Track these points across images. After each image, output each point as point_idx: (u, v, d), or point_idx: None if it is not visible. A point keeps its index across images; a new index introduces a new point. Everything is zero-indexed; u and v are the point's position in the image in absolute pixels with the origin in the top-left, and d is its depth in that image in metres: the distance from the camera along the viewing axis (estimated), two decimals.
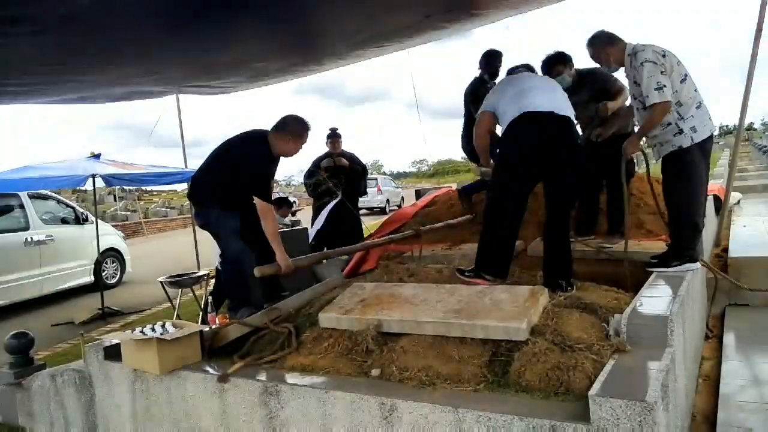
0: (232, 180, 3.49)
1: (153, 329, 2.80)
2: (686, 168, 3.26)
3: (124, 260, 9.63)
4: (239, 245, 3.50)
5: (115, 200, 27.76)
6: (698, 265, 3.31)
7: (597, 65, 3.69)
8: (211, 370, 2.65)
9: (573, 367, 2.07)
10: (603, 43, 3.46)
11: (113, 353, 2.99)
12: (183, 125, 7.96)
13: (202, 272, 4.77)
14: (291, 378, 2.46)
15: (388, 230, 5.62)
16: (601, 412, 1.74)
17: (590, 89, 4.03)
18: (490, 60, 5.05)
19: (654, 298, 2.60)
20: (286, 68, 5.84)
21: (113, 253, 9.46)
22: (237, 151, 3.61)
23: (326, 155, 6.26)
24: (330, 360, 2.54)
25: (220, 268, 4.59)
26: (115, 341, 3.02)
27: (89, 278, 8.76)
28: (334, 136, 6.20)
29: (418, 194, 7.15)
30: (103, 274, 9.03)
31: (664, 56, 3.25)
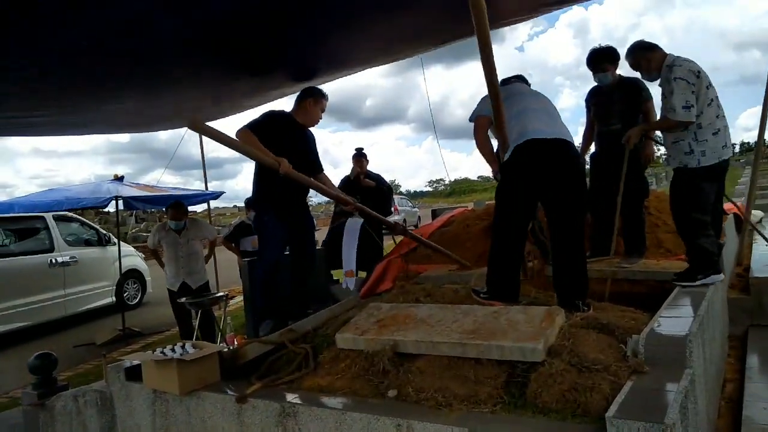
0: (265, 172, 3.65)
1: (173, 350, 2.85)
2: (691, 188, 3.36)
3: (144, 281, 9.78)
4: (278, 253, 3.62)
5: (136, 221, 28.21)
6: (722, 276, 3.35)
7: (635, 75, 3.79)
8: (229, 391, 2.67)
9: (590, 388, 2.05)
10: (645, 50, 3.54)
11: (134, 374, 3.04)
12: (206, 147, 8.13)
13: (221, 293, 4.84)
14: (308, 399, 2.47)
15: (405, 250, 5.63)
16: None
17: (626, 95, 4.11)
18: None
19: (672, 318, 2.58)
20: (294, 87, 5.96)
21: (134, 275, 9.63)
22: None
23: (346, 179, 6.37)
24: (347, 381, 2.55)
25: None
26: (136, 362, 3.07)
27: (111, 299, 8.91)
28: (360, 156, 6.32)
29: (434, 214, 7.15)
30: (125, 295, 9.18)
31: (698, 77, 3.32)
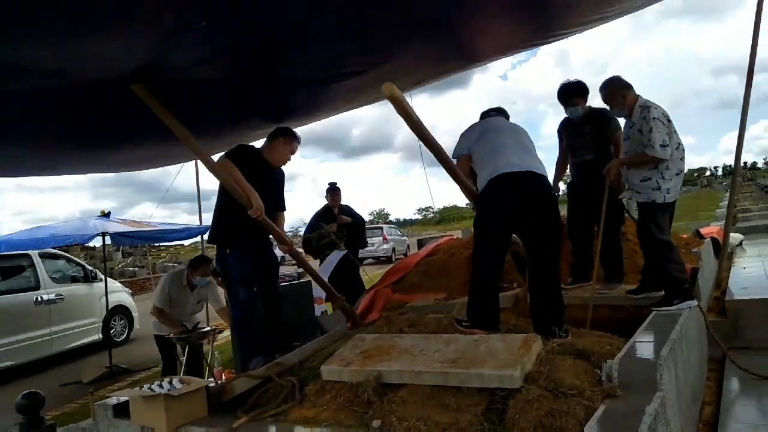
0: (232, 205, 3.64)
1: (161, 386, 2.88)
2: (657, 220, 3.60)
3: (131, 317, 9.72)
4: (248, 293, 3.63)
5: (123, 256, 28.05)
6: (695, 301, 3.52)
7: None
8: (216, 426, 2.71)
9: (565, 413, 2.13)
10: (623, 87, 3.74)
11: (122, 410, 3.06)
12: (192, 180, 8.22)
13: (208, 328, 4.86)
14: (295, 431, 2.52)
15: (391, 280, 5.71)
16: None
17: (595, 126, 4.29)
18: None
19: (645, 343, 2.68)
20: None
21: (121, 310, 9.56)
22: None
23: (326, 208, 6.47)
24: (332, 412, 2.60)
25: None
26: (123, 399, 3.09)
27: (98, 336, 8.86)
28: (333, 190, 6.44)
29: (420, 244, 7.25)
30: (111, 331, 9.11)
31: (669, 121, 3.61)
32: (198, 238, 10.54)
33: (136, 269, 23.08)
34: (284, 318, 4.05)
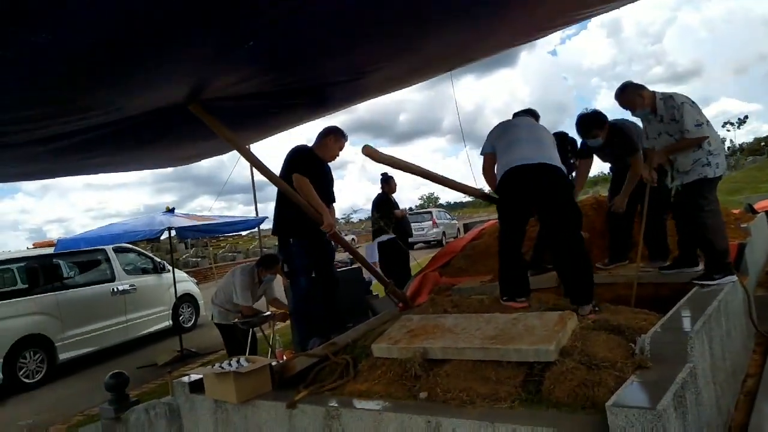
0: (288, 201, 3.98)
1: (230, 364, 3.21)
2: (709, 195, 3.66)
3: (198, 305, 10.35)
4: (307, 281, 3.96)
5: (186, 248, 29.43)
6: (735, 277, 3.59)
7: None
8: (280, 399, 3.01)
9: (597, 383, 2.29)
10: (636, 88, 3.86)
11: (197, 387, 3.42)
12: (246, 172, 8.66)
13: (268, 312, 5.23)
14: (350, 403, 2.79)
15: (439, 264, 5.92)
16: (618, 420, 1.96)
17: (618, 142, 4.37)
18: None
19: (681, 318, 2.78)
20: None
21: (188, 299, 10.20)
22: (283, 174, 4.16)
23: (382, 197, 6.89)
24: (383, 386, 2.86)
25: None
26: (198, 376, 3.46)
27: (168, 323, 9.49)
28: (387, 180, 7.07)
29: (467, 228, 7.43)
30: (180, 318, 9.75)
31: (693, 104, 3.68)
32: (255, 229, 11.16)
33: (199, 260, 24.23)
34: (339, 301, 4.37)
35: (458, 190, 4.20)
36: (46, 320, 7.56)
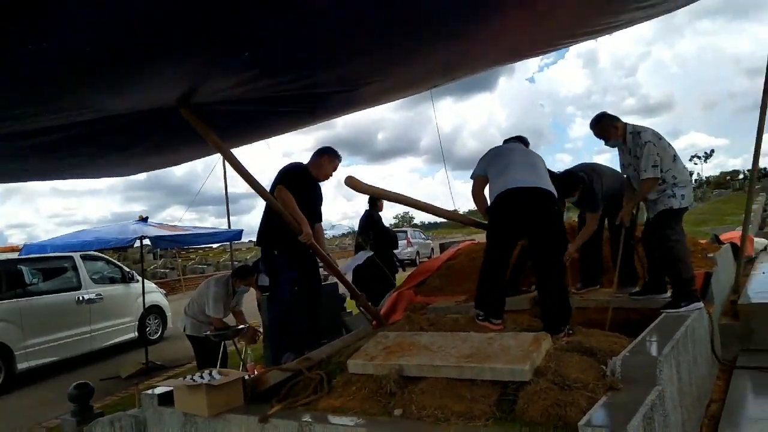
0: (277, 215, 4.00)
1: (202, 377, 3.16)
2: (675, 225, 3.86)
3: (165, 317, 10.15)
4: (291, 292, 3.96)
5: (154, 258, 28.86)
6: (701, 304, 3.72)
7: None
8: (252, 413, 2.97)
9: (570, 403, 2.33)
10: (611, 120, 4.07)
11: (166, 399, 3.35)
12: (220, 183, 8.59)
13: (243, 326, 5.17)
14: (323, 418, 2.77)
15: (414, 282, 5.95)
16: None
17: (584, 203, 4.65)
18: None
19: (650, 342, 2.86)
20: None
21: (156, 310, 9.99)
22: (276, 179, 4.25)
23: (369, 214, 7.00)
24: (358, 402, 2.85)
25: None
26: (167, 388, 3.39)
27: (134, 334, 9.28)
28: (376, 200, 7.07)
29: (443, 247, 7.50)
30: (146, 330, 9.53)
31: (660, 140, 3.88)
32: (227, 242, 11.05)
33: (168, 271, 23.77)
34: (319, 319, 4.39)
35: (445, 218, 4.29)
36: (5, 327, 7.30)
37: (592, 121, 4.10)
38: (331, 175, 4.47)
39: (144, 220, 7.99)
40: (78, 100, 2.94)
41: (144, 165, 6.16)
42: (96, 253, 9.19)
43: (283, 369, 3.38)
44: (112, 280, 9.32)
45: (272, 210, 4.05)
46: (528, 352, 2.66)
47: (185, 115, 3.41)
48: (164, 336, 10.13)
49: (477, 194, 3.89)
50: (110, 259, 9.96)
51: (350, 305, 6.34)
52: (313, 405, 2.97)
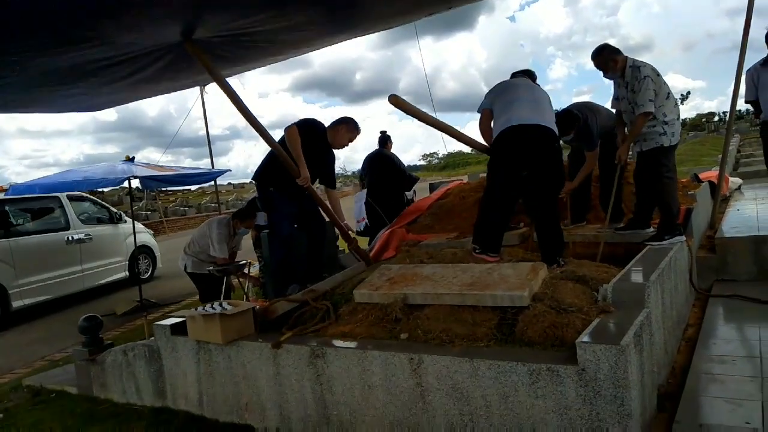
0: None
1: (213, 307, 3.31)
2: (664, 162, 3.99)
3: (155, 257, 10.23)
4: (290, 228, 4.06)
5: (133, 200, 28.58)
6: (683, 237, 3.93)
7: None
8: (264, 340, 3.16)
9: (566, 324, 2.54)
10: (612, 53, 4.09)
11: (178, 329, 3.52)
12: (195, 125, 8.49)
13: (243, 261, 5.30)
14: (334, 342, 2.96)
15: (406, 221, 6.10)
16: (586, 355, 2.21)
17: (581, 140, 4.68)
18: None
19: (637, 271, 3.07)
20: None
21: (145, 250, 10.05)
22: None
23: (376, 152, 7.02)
24: (365, 328, 3.04)
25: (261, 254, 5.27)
26: (179, 319, 3.54)
27: (125, 274, 9.38)
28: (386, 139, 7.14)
29: (432, 188, 7.61)
30: (137, 269, 9.63)
31: (658, 76, 3.96)
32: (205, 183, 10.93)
33: (149, 213, 23.60)
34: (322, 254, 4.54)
35: (470, 145, 4.21)
36: None
37: (593, 52, 4.13)
38: (347, 146, 4.46)
39: (131, 160, 7.91)
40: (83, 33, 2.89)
41: (124, 95, 5.97)
42: (82, 194, 9.13)
43: (290, 300, 3.55)
44: (100, 221, 9.29)
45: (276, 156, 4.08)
46: (526, 280, 2.85)
47: (189, 49, 3.38)
48: (155, 275, 10.25)
49: (485, 128, 3.90)
50: (96, 200, 9.90)
51: (342, 243, 6.50)
52: (323, 332, 3.16)
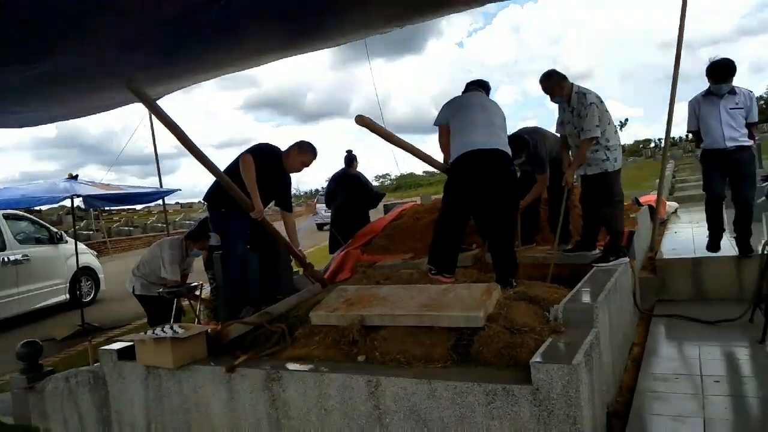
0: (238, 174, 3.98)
1: (164, 330, 3.21)
2: (611, 187, 4.21)
3: (98, 278, 9.81)
4: (243, 249, 3.98)
5: (74, 219, 27.37)
6: (627, 258, 4.13)
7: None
8: (218, 364, 3.08)
9: (520, 345, 2.61)
10: (559, 78, 4.30)
11: (125, 354, 3.38)
12: (141, 142, 8.30)
13: (195, 283, 5.17)
14: (290, 366, 2.91)
15: (360, 242, 6.12)
16: (539, 374, 2.27)
17: (532, 163, 4.88)
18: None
19: (585, 292, 3.19)
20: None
21: (87, 272, 9.63)
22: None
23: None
24: (322, 350, 3.01)
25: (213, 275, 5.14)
26: (127, 343, 3.41)
27: (65, 296, 8.95)
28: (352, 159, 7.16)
29: (386, 209, 7.66)
30: (79, 292, 9.21)
31: (601, 102, 4.19)
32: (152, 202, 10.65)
33: (91, 233, 22.66)
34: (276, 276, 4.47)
35: (434, 166, 4.24)
36: None
37: (542, 76, 4.33)
38: (299, 170, 4.35)
39: (74, 177, 7.62)
40: None
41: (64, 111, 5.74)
42: (20, 213, 8.71)
43: (244, 322, 3.48)
44: (39, 241, 8.86)
45: (232, 172, 4.03)
46: (481, 301, 2.91)
47: (132, 91, 3.27)
48: (97, 298, 9.82)
49: (444, 143, 3.94)
50: (36, 219, 9.45)
51: (295, 265, 6.43)
52: (278, 355, 3.11)
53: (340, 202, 6.83)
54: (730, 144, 4.47)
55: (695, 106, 4.67)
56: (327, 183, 7.08)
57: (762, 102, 45.37)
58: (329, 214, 7.65)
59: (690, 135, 5.47)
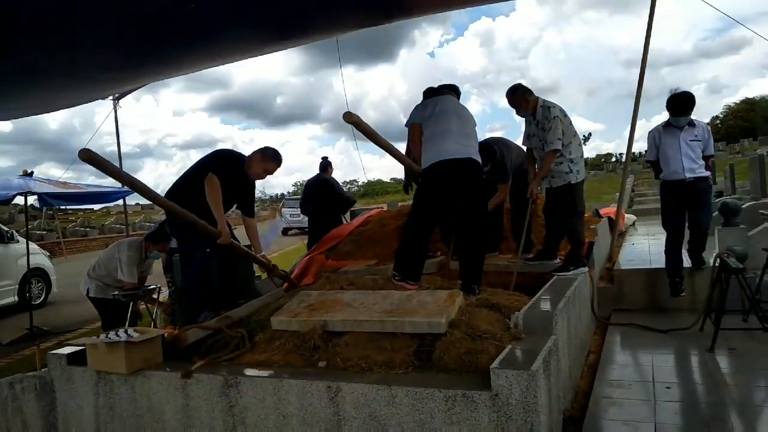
0: (199, 188, 3.87)
1: (117, 335, 3.11)
2: (574, 198, 4.31)
3: (50, 280, 9.45)
4: (204, 253, 3.88)
5: (27, 219, 26.35)
6: (587, 268, 4.23)
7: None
8: (173, 369, 2.99)
9: (481, 351, 2.62)
10: (525, 93, 4.39)
11: (76, 359, 3.25)
12: (102, 141, 8.09)
13: (152, 286, 5.02)
14: (248, 371, 2.86)
15: (325, 247, 6.07)
16: (499, 380, 2.29)
17: (496, 172, 4.92)
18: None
19: (546, 299, 3.24)
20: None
21: (38, 273, 9.26)
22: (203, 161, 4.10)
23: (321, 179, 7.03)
24: (282, 356, 2.97)
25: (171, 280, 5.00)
26: (77, 348, 3.28)
27: (14, 298, 8.59)
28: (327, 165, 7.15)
29: (353, 215, 7.65)
30: (28, 294, 8.84)
31: (565, 116, 4.28)
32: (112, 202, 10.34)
33: (44, 233, 21.84)
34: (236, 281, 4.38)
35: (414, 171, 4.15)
36: None
37: (508, 90, 4.42)
38: (262, 177, 4.24)
39: (29, 174, 7.33)
40: None
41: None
42: None
43: (203, 327, 3.40)
44: None
45: (191, 177, 3.93)
46: (444, 307, 2.92)
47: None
48: (48, 301, 9.45)
49: (415, 142, 3.90)
50: None
51: (258, 269, 6.33)
52: (237, 360, 3.04)
53: (312, 209, 6.81)
54: (689, 175, 4.52)
55: (656, 137, 4.74)
56: (303, 188, 7.09)
57: (717, 121, 47.45)
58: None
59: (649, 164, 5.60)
